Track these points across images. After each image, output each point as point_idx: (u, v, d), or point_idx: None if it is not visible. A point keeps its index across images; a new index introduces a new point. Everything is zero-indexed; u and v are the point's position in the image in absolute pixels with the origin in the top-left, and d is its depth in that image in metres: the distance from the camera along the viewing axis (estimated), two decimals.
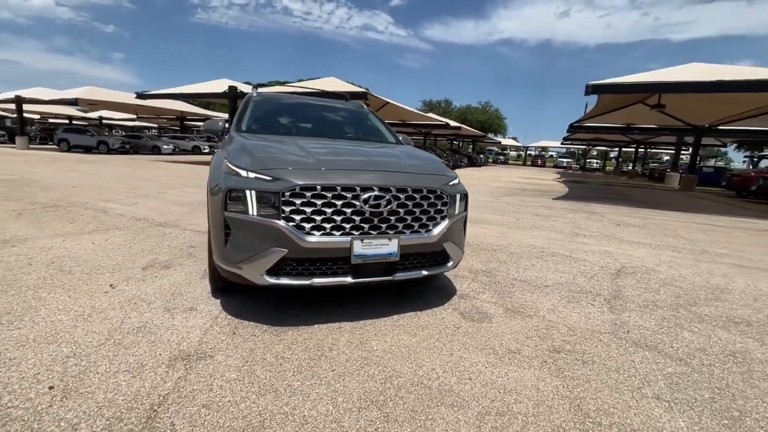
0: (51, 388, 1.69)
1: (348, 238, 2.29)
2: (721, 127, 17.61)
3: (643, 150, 37.70)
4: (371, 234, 2.36)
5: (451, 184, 2.71)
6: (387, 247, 2.39)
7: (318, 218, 2.26)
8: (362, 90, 14.60)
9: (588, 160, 52.02)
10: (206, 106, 36.80)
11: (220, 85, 16.81)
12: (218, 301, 2.72)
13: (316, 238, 2.24)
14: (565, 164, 45.89)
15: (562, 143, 42.05)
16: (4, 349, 1.96)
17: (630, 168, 36.05)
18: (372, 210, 2.34)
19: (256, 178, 2.27)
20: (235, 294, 2.81)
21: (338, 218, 2.29)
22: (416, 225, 2.51)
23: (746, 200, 14.82)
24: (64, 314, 2.37)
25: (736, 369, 2.21)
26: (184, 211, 5.86)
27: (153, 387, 1.74)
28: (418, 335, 2.39)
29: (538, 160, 51.06)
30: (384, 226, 2.40)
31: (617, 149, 42.44)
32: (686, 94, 12.36)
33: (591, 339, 2.48)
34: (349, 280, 2.37)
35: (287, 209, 2.23)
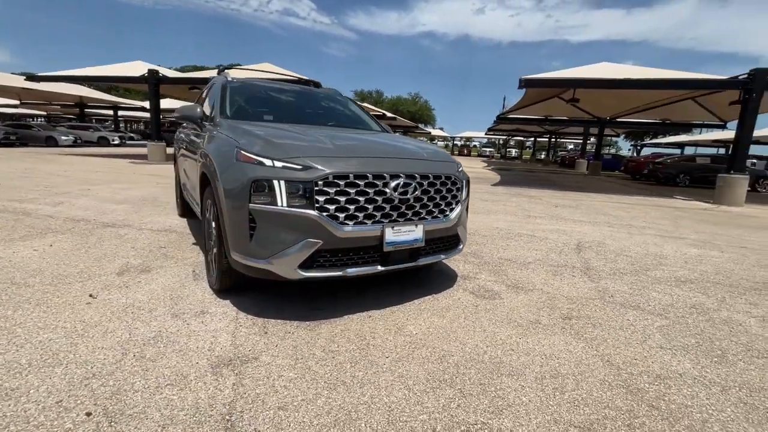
0: (89, 414, 1.46)
1: (380, 226, 2.28)
2: (618, 120, 20.40)
3: (554, 140, 42.09)
4: (399, 221, 2.38)
5: (459, 170, 2.82)
6: (413, 233, 2.43)
7: (351, 207, 2.22)
8: (307, 80, 14.08)
9: (507, 150, 56.51)
10: (107, 91, 32.28)
11: (134, 68, 14.92)
12: (227, 301, 2.52)
13: (350, 228, 2.20)
14: (488, 153, 49.28)
15: (486, 134, 45.04)
16: None
17: (544, 156, 39.98)
18: (400, 197, 2.35)
19: (284, 167, 2.14)
20: (243, 293, 2.63)
21: (370, 206, 2.27)
22: (436, 211, 2.58)
23: (639, 182, 17.46)
24: (51, 332, 2.02)
25: (701, 318, 2.68)
26: (127, 210, 5.20)
27: (211, 397, 1.59)
28: (446, 316, 2.49)
29: (464, 149, 54.19)
30: (410, 213, 2.43)
31: (533, 139, 46.71)
32: (594, 90, 14.08)
33: (588, 305, 2.80)
34: (379, 268, 2.36)
35: (321, 199, 2.14)
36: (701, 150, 36.10)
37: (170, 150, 7.99)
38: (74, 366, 1.74)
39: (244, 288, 2.66)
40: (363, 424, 1.49)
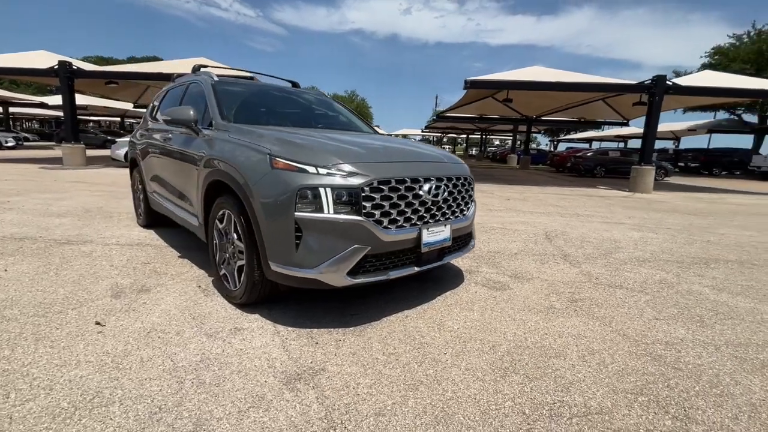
0: None
1: (416, 229, 2.35)
2: (543, 118, 22.48)
3: (485, 137, 44.97)
4: (431, 222, 2.47)
5: (469, 171, 2.99)
6: (443, 233, 2.54)
7: (393, 212, 2.26)
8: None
9: (442, 146, 59.14)
10: None
11: (38, 59, 12.91)
12: (256, 315, 2.40)
13: (393, 231, 2.24)
14: None
15: (423, 131, 46.61)
16: (41, 430, 1.41)
17: (477, 152, 42.53)
18: (433, 199, 2.44)
19: (328, 174, 2.11)
20: (269, 305, 2.53)
21: (408, 210, 2.33)
22: (458, 211, 2.72)
23: (564, 174, 19.47)
24: (77, 368, 1.78)
25: (671, 291, 3.17)
26: (76, 224, 4.59)
27: (303, 414, 1.55)
28: (474, 309, 2.64)
29: None
30: (439, 214, 2.54)
31: (465, 136, 49.40)
32: (524, 91, 15.38)
33: (583, 288, 3.15)
34: (415, 269, 2.43)
35: (368, 205, 2.15)
36: (605, 144, 41.30)
37: (94, 152, 7.00)
38: (131, 402, 1.57)
39: (273, 300, 2.56)
40: (461, 418, 1.57)
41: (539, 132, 46.71)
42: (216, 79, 3.43)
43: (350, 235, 2.11)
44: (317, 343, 2.11)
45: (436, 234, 2.48)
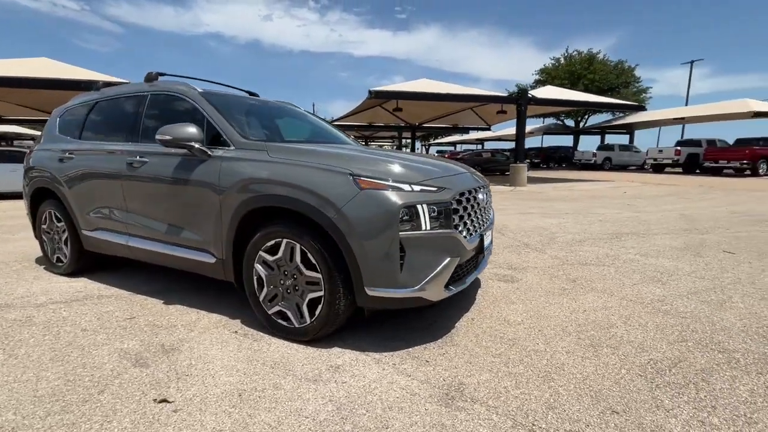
0: None
1: (479, 235, 2.52)
2: (425, 125, 24.77)
3: (368, 144, 46.99)
4: (485, 227, 2.67)
5: None
6: (490, 235, 2.77)
7: (468, 221, 2.38)
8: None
9: None
10: None
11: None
12: (334, 349, 2.22)
13: (470, 239, 2.36)
14: None
15: None
16: None
17: None
18: (485, 206, 2.65)
19: (422, 190, 2.11)
20: (335, 334, 2.36)
21: (475, 218, 2.48)
22: (492, 215, 2.98)
23: None
24: None
25: (619, 261, 4.03)
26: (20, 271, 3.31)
27: (493, 428, 1.57)
28: (514, 301, 2.93)
29: None
30: (487, 219, 2.75)
31: None
32: (412, 101, 16.79)
33: (567, 269, 3.77)
34: (475, 272, 2.59)
35: (455, 217, 2.22)
36: (467, 146, 47.74)
37: None
38: None
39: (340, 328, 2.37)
40: (607, 391, 1.80)
41: (417, 138, 51.14)
42: (201, 89, 2.95)
43: (445, 247, 2.15)
44: (427, 362, 2.09)
45: (488, 237, 2.69)
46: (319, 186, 2.11)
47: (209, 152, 2.52)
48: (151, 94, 3.05)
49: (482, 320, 2.60)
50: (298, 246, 2.18)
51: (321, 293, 2.16)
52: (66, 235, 3.49)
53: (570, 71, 28.99)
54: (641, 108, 19.86)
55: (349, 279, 2.10)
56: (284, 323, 2.32)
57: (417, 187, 2.11)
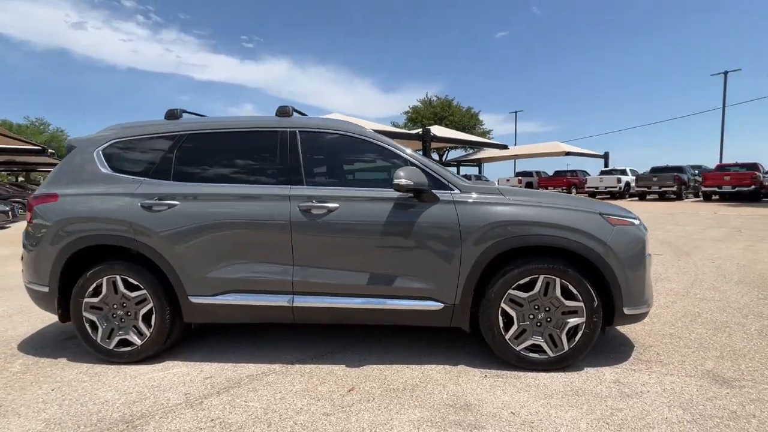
0: None
1: None
2: None
3: None
4: None
5: None
6: None
7: None
8: None
9: None
10: None
11: None
12: (585, 370, 2.47)
13: None
14: None
15: None
16: None
17: None
18: None
19: (641, 223, 2.62)
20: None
21: None
22: None
23: None
24: None
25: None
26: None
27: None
28: None
29: None
30: None
31: None
32: None
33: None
34: None
35: None
36: None
37: None
38: None
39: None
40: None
41: None
42: (367, 128, 2.80)
43: None
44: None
45: None
46: (584, 225, 2.41)
47: (439, 197, 2.48)
48: (302, 130, 2.72)
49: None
50: (557, 280, 2.39)
51: (580, 320, 2.41)
52: (149, 307, 2.61)
53: (434, 112, 33.96)
54: (505, 146, 24.60)
55: (607, 304, 2.42)
56: (535, 356, 2.44)
57: (637, 221, 2.62)
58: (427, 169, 2.57)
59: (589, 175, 23.93)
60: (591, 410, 2.02)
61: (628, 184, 20.62)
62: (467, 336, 2.73)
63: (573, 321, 2.42)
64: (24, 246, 2.82)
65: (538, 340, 2.44)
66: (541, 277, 2.41)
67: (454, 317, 2.49)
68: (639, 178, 19.37)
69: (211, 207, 2.61)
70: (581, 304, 2.40)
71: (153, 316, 2.62)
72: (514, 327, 2.45)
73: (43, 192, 2.82)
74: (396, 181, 2.34)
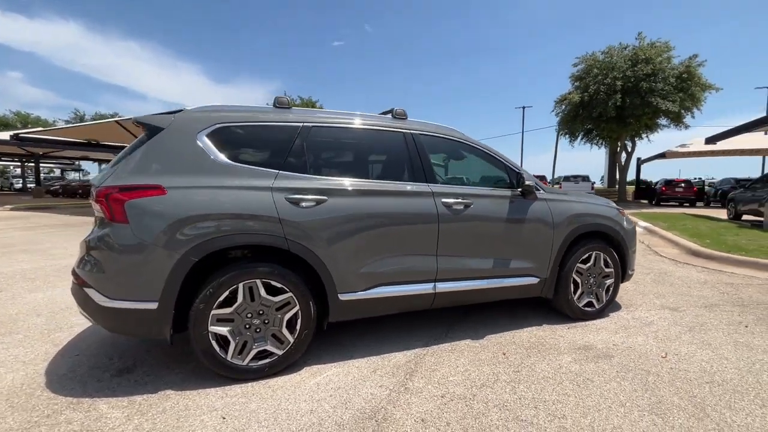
0: None
1: None
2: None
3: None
4: None
5: None
6: None
7: None
8: None
9: None
10: None
11: None
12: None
13: None
14: None
15: None
16: None
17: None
18: None
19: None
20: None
21: None
22: None
23: None
24: None
25: None
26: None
27: None
28: None
29: None
30: None
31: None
32: None
33: None
34: None
35: None
36: None
37: None
38: None
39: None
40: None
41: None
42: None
43: None
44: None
45: None
46: (614, 216, 3.53)
47: (538, 195, 3.18)
48: (422, 133, 2.99)
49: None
50: (602, 254, 3.45)
51: (611, 281, 3.53)
52: (294, 311, 2.42)
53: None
54: None
55: (623, 270, 3.61)
56: (589, 309, 3.44)
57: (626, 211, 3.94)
58: (523, 174, 3.25)
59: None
60: (641, 332, 3.10)
61: None
62: (520, 305, 3.58)
63: (608, 282, 3.52)
64: (101, 253, 2.16)
65: (591, 298, 3.44)
66: (595, 252, 3.42)
67: (545, 288, 3.25)
68: None
69: (361, 202, 2.61)
70: (612, 270, 3.52)
71: (298, 321, 2.45)
72: (579, 290, 3.38)
73: (139, 183, 2.21)
74: (527, 182, 2.96)
